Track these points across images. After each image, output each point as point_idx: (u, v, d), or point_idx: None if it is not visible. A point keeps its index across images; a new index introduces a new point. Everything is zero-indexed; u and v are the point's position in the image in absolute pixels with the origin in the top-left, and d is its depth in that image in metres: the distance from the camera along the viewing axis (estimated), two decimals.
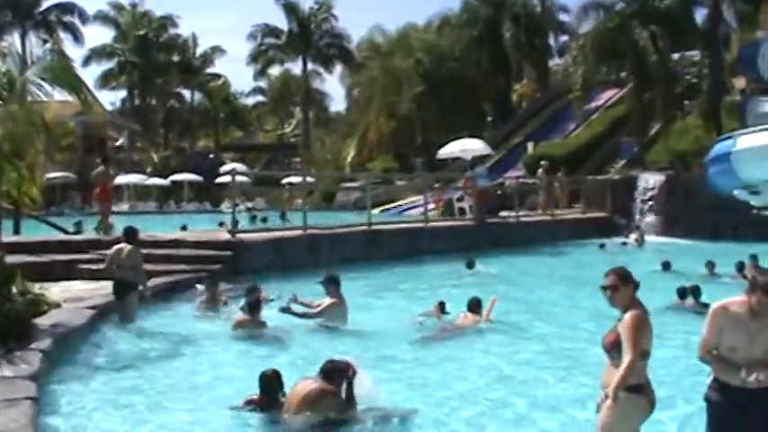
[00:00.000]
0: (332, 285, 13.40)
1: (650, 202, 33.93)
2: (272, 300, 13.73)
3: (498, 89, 59.46)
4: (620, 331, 6.04)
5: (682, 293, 15.24)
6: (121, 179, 49.28)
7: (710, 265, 19.85)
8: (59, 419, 8.27)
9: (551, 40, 64.61)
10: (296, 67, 74.46)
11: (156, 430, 8.23)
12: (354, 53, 71.99)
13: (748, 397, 5.80)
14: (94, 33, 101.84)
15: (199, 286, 16.18)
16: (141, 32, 71.23)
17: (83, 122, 57.47)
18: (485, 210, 29.05)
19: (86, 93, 14.47)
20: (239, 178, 34.24)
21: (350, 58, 71.68)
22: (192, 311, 14.65)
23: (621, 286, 6.19)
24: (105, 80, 72.08)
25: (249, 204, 49.67)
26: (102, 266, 14.80)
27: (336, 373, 8.21)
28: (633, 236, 30.58)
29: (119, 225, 20.21)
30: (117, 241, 14.68)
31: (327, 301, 13.27)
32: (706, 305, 13.06)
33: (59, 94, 14.18)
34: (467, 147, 34.70)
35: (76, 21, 66.39)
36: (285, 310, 13.11)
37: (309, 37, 69.87)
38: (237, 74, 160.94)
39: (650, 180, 34.37)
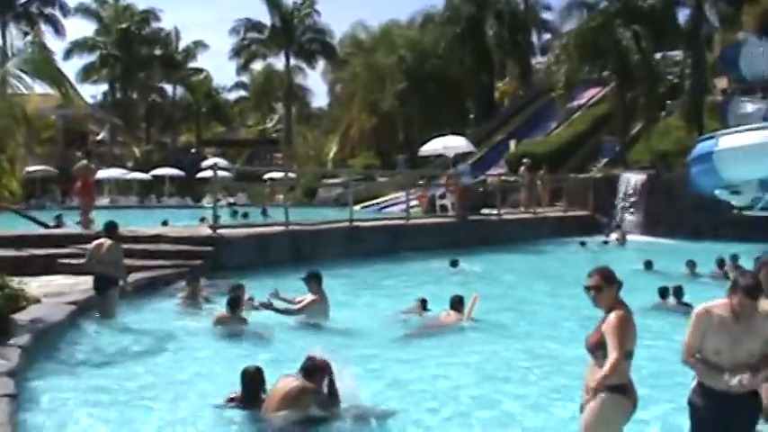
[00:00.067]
0: (313, 282, 13.35)
1: (632, 201, 34.03)
2: (251, 299, 13.60)
3: (481, 87, 59.48)
4: (605, 331, 6.03)
5: (663, 293, 15.26)
6: (102, 173, 48.91)
7: (691, 264, 19.90)
8: (38, 416, 8.17)
9: (534, 38, 64.84)
10: (278, 63, 74.52)
11: (137, 427, 8.17)
12: (337, 49, 71.94)
13: (732, 401, 5.81)
14: (76, 26, 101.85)
15: (168, 285, 16.14)
16: (123, 26, 70.82)
17: (64, 116, 57.06)
18: (467, 207, 29.05)
19: (67, 86, 14.35)
20: (221, 173, 34.06)
21: (332, 53, 71.61)
22: (173, 307, 14.56)
23: (605, 286, 6.18)
24: (87, 73, 71.60)
25: (231, 200, 49.52)
26: (82, 261, 14.70)
27: (317, 370, 8.17)
28: (614, 235, 30.67)
29: (99, 219, 20.10)
30: (97, 236, 14.58)
31: (309, 297, 13.22)
32: (688, 305, 13.17)
33: (40, 87, 14.08)
34: (449, 144, 34.72)
35: (58, 13, 66.05)
36: (266, 305, 13.07)
37: (292, 32, 69.72)
38: (220, 68, 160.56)
39: (632, 179, 34.47)
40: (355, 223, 24.83)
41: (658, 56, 45.28)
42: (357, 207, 31.49)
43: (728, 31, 42.25)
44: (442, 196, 32.23)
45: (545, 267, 23.11)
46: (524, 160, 35.78)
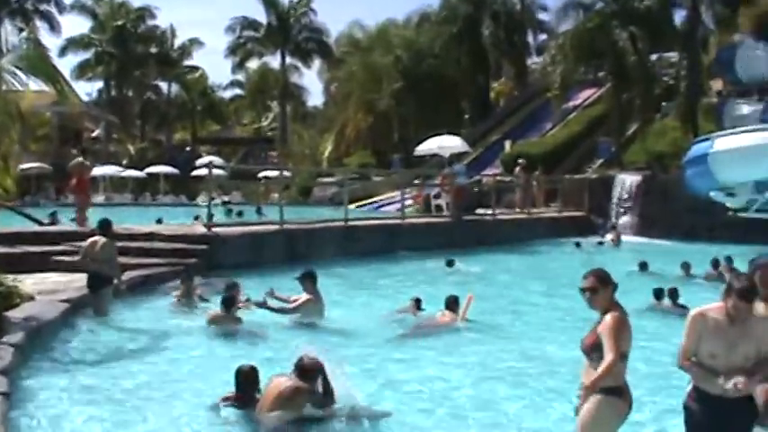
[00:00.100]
0: (308, 281, 13.33)
1: (627, 203, 34.04)
2: (247, 300, 13.56)
3: (477, 87, 59.56)
4: (601, 333, 6.01)
5: (658, 294, 15.25)
6: (97, 171, 48.80)
7: (686, 266, 19.89)
8: (31, 415, 8.13)
9: (530, 39, 64.85)
10: (274, 61, 74.39)
11: (131, 426, 8.13)
12: (333, 48, 71.89)
13: (727, 406, 5.78)
14: (71, 23, 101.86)
15: (162, 284, 16.12)
16: (119, 23, 70.69)
17: (59, 113, 57.03)
18: (462, 207, 29.03)
19: (62, 83, 14.27)
20: (216, 171, 34.02)
21: (328, 52, 71.55)
22: (168, 306, 14.53)
23: (601, 288, 6.16)
24: (82, 71, 71.47)
25: (225, 198, 49.48)
26: (77, 258, 14.66)
27: (310, 370, 8.14)
28: (610, 236, 30.67)
29: (94, 217, 20.01)
30: (93, 233, 14.54)
31: (304, 296, 13.20)
32: (684, 307, 13.17)
33: (35, 84, 14.00)
34: (445, 144, 34.73)
35: (53, 10, 65.69)
36: (261, 304, 13.04)
37: (288, 31, 69.63)
38: (215, 67, 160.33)
39: (627, 180, 34.47)
40: (350, 222, 24.81)
41: (654, 57, 45.33)
42: (352, 206, 31.45)
43: (724, 33, 42.34)
44: (437, 196, 32.23)
45: (540, 268, 23.11)
46: (520, 161, 35.76)
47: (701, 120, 37.92)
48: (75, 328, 12.26)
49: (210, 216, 21.90)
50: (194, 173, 52.48)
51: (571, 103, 51.05)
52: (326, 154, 61.26)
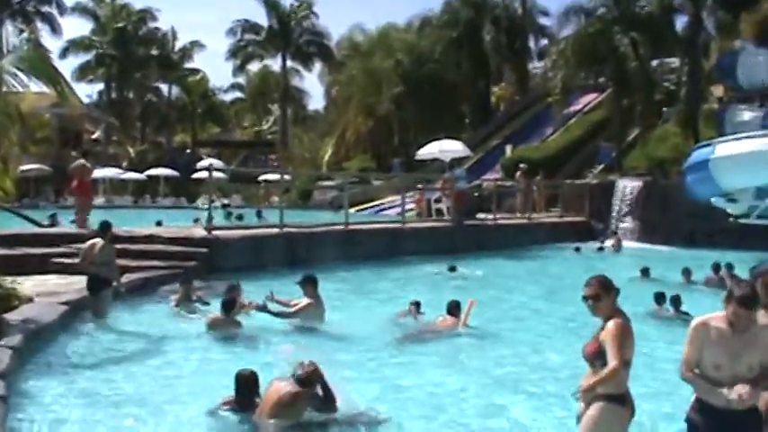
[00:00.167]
0: (309, 285, 13.27)
1: (628, 208, 33.96)
2: (249, 304, 13.50)
3: (477, 91, 59.50)
4: (604, 340, 5.96)
5: (659, 299, 15.19)
6: (97, 173, 48.73)
7: (687, 272, 19.83)
8: (30, 419, 8.08)
9: (531, 44, 64.79)
10: (275, 64, 74.48)
11: (130, 430, 8.09)
12: (334, 52, 71.85)
13: (732, 418, 5.65)
14: (73, 25, 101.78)
15: (162, 287, 16.07)
16: (120, 25, 70.81)
17: (59, 115, 56.99)
18: (462, 211, 28.98)
19: (63, 84, 14.20)
20: (216, 174, 34.01)
21: (329, 56, 71.53)
22: (167, 309, 14.47)
23: (603, 295, 6.11)
24: (82, 72, 71.59)
25: (225, 201, 49.43)
26: (76, 260, 14.63)
27: (307, 377, 8.09)
28: (610, 241, 30.58)
29: (94, 219, 20.01)
30: (93, 236, 14.50)
31: (304, 301, 13.15)
32: (687, 314, 13.12)
33: (35, 86, 13.95)
34: (446, 148, 34.65)
35: (54, 11, 65.80)
36: (261, 308, 12.99)
37: (289, 34, 69.65)
38: (216, 69, 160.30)
39: (628, 186, 34.40)
40: (351, 226, 24.75)
41: (655, 63, 45.29)
42: (352, 210, 31.42)
43: (726, 39, 42.27)
44: (438, 200, 32.17)
45: (541, 273, 23.04)
46: (521, 165, 35.72)
47: (701, 126, 37.84)
48: (75, 330, 12.22)
49: (210, 219, 21.85)
50: (194, 176, 52.44)
51: (572, 108, 51.00)
52: (327, 157, 61.17)
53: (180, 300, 14.61)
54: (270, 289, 13.66)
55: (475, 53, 57.23)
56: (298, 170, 57.69)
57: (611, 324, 5.98)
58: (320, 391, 8.11)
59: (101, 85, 75.18)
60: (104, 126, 66.61)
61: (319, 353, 9.02)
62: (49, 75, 13.79)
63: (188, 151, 74.92)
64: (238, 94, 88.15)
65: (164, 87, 78.37)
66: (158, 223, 27.41)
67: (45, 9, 65.08)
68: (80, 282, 13.97)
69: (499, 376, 10.62)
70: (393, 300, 16.18)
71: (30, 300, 12.31)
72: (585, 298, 6.14)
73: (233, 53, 72.61)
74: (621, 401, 6.01)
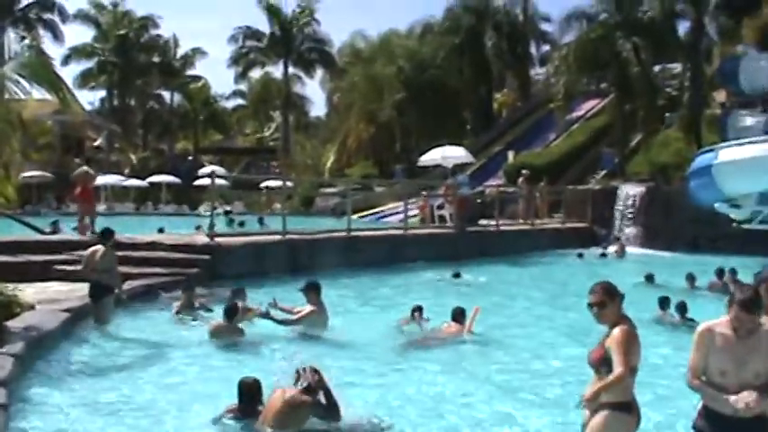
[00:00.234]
0: (312, 292, 13.23)
1: (630, 214, 33.91)
2: (253, 309, 13.46)
3: (479, 97, 59.51)
4: (609, 347, 5.92)
5: (663, 303, 15.14)
6: (99, 180, 48.67)
7: (691, 278, 19.78)
8: (31, 427, 8.04)
9: (533, 50, 64.90)
10: (277, 71, 74.42)
11: None
12: (336, 58, 71.85)
13: (739, 426, 5.57)
14: (75, 32, 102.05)
15: (163, 293, 16.02)
16: (122, 32, 70.86)
17: (61, 122, 57.08)
18: (465, 218, 28.95)
19: (65, 91, 14.19)
20: (218, 181, 33.97)
21: (331, 63, 71.53)
22: (169, 316, 14.43)
23: (608, 302, 6.08)
24: (84, 80, 71.68)
25: (227, 207, 49.39)
26: (78, 267, 14.59)
27: (312, 383, 8.04)
28: (613, 247, 30.53)
29: (98, 226, 19.97)
30: (94, 243, 14.48)
31: (307, 308, 13.11)
32: (692, 320, 13.06)
33: (38, 93, 13.94)
34: (448, 154, 34.65)
35: (56, 19, 65.80)
36: (264, 315, 12.94)
37: (291, 41, 69.62)
38: (218, 76, 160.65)
39: (631, 191, 34.36)
40: (353, 233, 24.73)
41: (657, 68, 45.31)
42: (354, 216, 31.39)
43: (728, 44, 42.27)
44: (441, 207, 32.12)
45: (544, 279, 23.00)
46: (523, 171, 35.69)
47: (704, 131, 37.83)
48: (76, 338, 12.18)
49: (212, 226, 21.81)
50: (196, 182, 52.44)
51: (574, 114, 51.02)
52: (329, 164, 61.22)
53: (182, 307, 14.56)
54: (272, 296, 13.65)
55: (477, 59, 57.26)
56: (300, 177, 57.74)
57: (616, 331, 5.95)
58: (323, 399, 8.06)
59: (103, 93, 75.48)
60: (106, 133, 66.64)
61: (322, 360, 8.96)
62: (51, 81, 13.77)
63: (190, 158, 74.97)
64: (240, 101, 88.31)
65: (165, 94, 78.45)
66: (160, 230, 27.34)
67: (47, 16, 65.15)
68: (82, 289, 13.92)
69: (503, 383, 10.56)
70: (395, 306, 16.11)
71: (31, 307, 12.26)
72: (590, 305, 6.11)
73: (235, 60, 72.59)
74: (628, 409, 5.97)
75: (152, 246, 20.10)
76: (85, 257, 13.78)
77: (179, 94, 78.20)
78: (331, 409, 8.07)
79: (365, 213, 42.41)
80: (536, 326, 15.20)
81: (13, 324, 10.93)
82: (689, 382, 5.82)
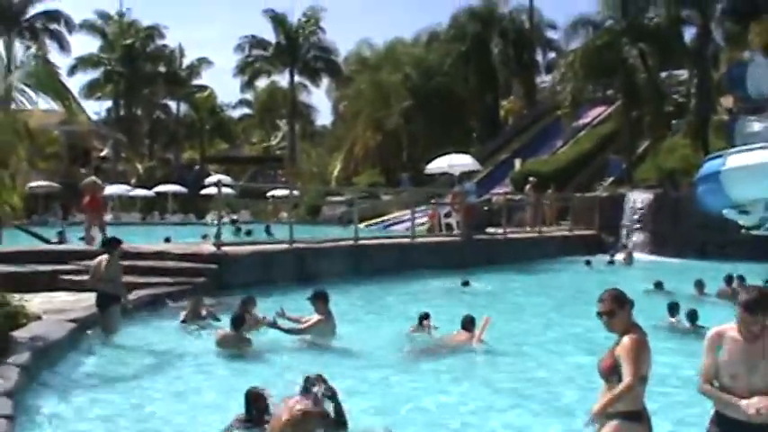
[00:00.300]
0: (320, 301, 13.17)
1: (638, 221, 33.82)
2: (263, 317, 13.42)
3: (485, 105, 59.54)
4: (619, 355, 5.85)
5: (672, 309, 15.06)
6: (106, 190, 48.85)
7: (700, 284, 19.68)
8: None
9: (539, 57, 64.92)
10: (283, 80, 74.46)
11: None
12: (342, 67, 71.86)
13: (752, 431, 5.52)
14: (81, 42, 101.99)
15: (170, 303, 15.98)
16: (128, 42, 70.89)
17: (67, 131, 57.14)
18: (472, 226, 28.87)
19: (71, 100, 14.18)
20: (224, 190, 33.96)
21: (337, 71, 71.53)
22: (176, 325, 14.37)
23: (618, 310, 6.02)
24: (91, 90, 71.77)
25: (234, 217, 49.34)
26: (85, 277, 14.56)
27: (315, 393, 7.97)
28: (621, 254, 30.41)
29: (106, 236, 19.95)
30: (100, 252, 14.45)
31: (315, 317, 13.05)
32: (703, 328, 12.96)
33: (44, 103, 13.94)
34: (455, 162, 34.63)
35: (63, 29, 65.70)
36: (272, 325, 12.90)
37: (297, 49, 69.61)
38: (224, 86, 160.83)
39: (638, 198, 34.27)
40: (360, 241, 24.67)
41: (664, 75, 45.26)
42: (361, 225, 31.34)
43: (735, 49, 42.19)
44: (448, 215, 32.07)
45: (552, 287, 22.90)
46: (530, 179, 35.66)
47: (711, 137, 37.73)
48: (83, 348, 12.13)
49: (219, 235, 21.76)
50: (203, 192, 52.46)
51: (581, 121, 51.00)
52: (335, 173, 61.16)
53: (189, 316, 14.51)
54: (280, 305, 13.60)
55: (483, 67, 57.33)
56: (306, 185, 57.68)
57: (626, 339, 5.89)
58: (332, 410, 7.98)
59: (109, 103, 75.43)
60: (112, 143, 66.68)
61: (330, 369, 8.90)
62: (57, 90, 13.77)
63: (196, 167, 74.98)
64: (246, 111, 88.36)
65: (172, 104, 78.51)
66: (167, 240, 27.37)
67: (53, 26, 65.14)
68: (88, 299, 13.89)
69: (513, 392, 10.49)
70: (403, 315, 16.05)
71: (38, 317, 12.23)
72: (600, 314, 6.06)
73: (241, 69, 72.59)
74: (638, 418, 5.90)
75: (159, 255, 20.06)
76: (93, 267, 13.75)
77: (185, 103, 78.25)
78: (339, 422, 7.99)
79: (372, 222, 42.35)
80: (545, 334, 15.12)
81: (20, 334, 10.88)
82: (700, 388, 5.79)
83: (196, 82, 78.61)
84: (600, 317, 6.06)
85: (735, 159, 25.24)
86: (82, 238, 25.13)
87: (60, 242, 26.34)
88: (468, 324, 13.17)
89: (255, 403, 8.14)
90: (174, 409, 9.34)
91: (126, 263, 14.68)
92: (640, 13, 42.49)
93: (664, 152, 39.66)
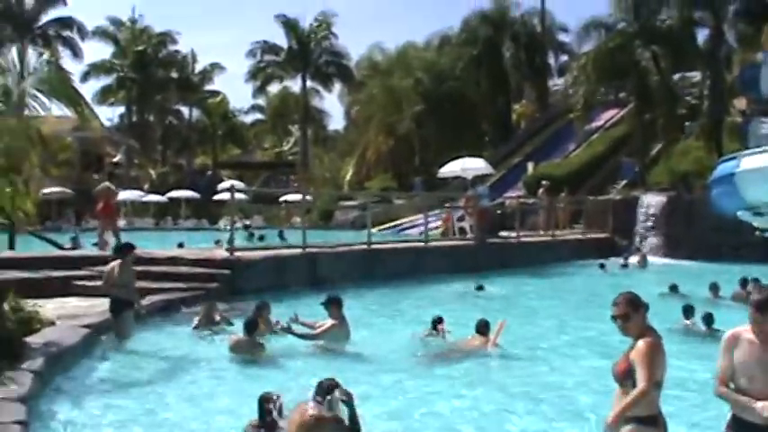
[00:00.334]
0: (334, 306, 13.13)
1: (652, 223, 33.71)
2: (276, 322, 13.41)
3: (497, 109, 59.47)
4: (634, 359, 5.80)
5: (687, 312, 15.00)
6: (119, 195, 49.01)
7: (714, 287, 19.61)
8: None
9: (551, 60, 64.85)
10: (295, 85, 74.54)
11: None
12: (354, 71, 71.90)
13: None
14: (93, 49, 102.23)
15: (183, 308, 15.98)
16: (140, 48, 71.15)
17: (81, 138, 57.29)
18: (485, 230, 28.82)
19: (84, 106, 14.21)
20: (237, 196, 34.02)
21: (349, 76, 71.56)
22: (189, 330, 14.36)
23: (632, 314, 5.97)
24: (104, 96, 72.06)
25: (246, 222, 49.41)
26: (98, 283, 14.58)
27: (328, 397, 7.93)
28: (635, 258, 30.32)
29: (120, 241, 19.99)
30: (115, 258, 14.47)
31: (329, 322, 13.02)
32: (719, 331, 12.90)
33: (57, 109, 13.97)
34: (468, 166, 34.58)
35: (75, 36, 66.10)
36: (286, 330, 12.88)
37: (309, 55, 69.71)
38: (236, 91, 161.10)
39: (652, 201, 34.16)
40: (373, 246, 24.65)
41: (677, 77, 45.10)
42: (374, 230, 31.33)
43: (748, 51, 41.91)
44: (461, 219, 32.01)
45: (566, 291, 22.85)
46: (543, 182, 35.60)
47: (725, 139, 37.60)
48: (96, 353, 12.13)
49: (232, 240, 21.77)
50: (216, 197, 52.50)
51: (594, 124, 50.86)
52: (348, 177, 61.16)
53: (202, 321, 14.50)
54: (293, 310, 13.57)
55: (494, 71, 57.29)
56: (319, 190, 57.72)
57: (641, 343, 5.84)
58: (346, 416, 7.95)
59: (122, 108, 75.72)
60: (125, 149, 66.87)
61: (344, 374, 8.86)
62: (70, 96, 13.80)
63: (209, 173, 75.08)
64: (258, 116, 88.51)
65: (184, 110, 78.77)
66: (180, 245, 27.41)
67: (66, 33, 65.49)
68: (102, 304, 13.91)
69: (527, 396, 10.42)
70: (417, 319, 16.01)
71: (51, 323, 12.25)
72: (614, 318, 6.01)
73: (253, 74, 72.74)
74: (654, 423, 5.84)
75: (172, 261, 20.07)
76: (106, 273, 13.76)
77: (197, 109, 78.50)
78: (353, 428, 7.95)
79: (385, 226, 42.33)
80: (558, 338, 15.06)
81: (33, 340, 10.90)
82: (716, 391, 5.74)
83: (208, 87, 78.97)
84: (614, 320, 6.01)
85: (749, 161, 25.09)
86: (95, 244, 25.19)
87: (74, 248, 26.41)
88: (483, 328, 13.12)
89: (269, 408, 8.12)
90: (187, 414, 9.32)
91: (139, 268, 14.69)
92: (653, 15, 42.33)
93: (677, 155, 39.49)
